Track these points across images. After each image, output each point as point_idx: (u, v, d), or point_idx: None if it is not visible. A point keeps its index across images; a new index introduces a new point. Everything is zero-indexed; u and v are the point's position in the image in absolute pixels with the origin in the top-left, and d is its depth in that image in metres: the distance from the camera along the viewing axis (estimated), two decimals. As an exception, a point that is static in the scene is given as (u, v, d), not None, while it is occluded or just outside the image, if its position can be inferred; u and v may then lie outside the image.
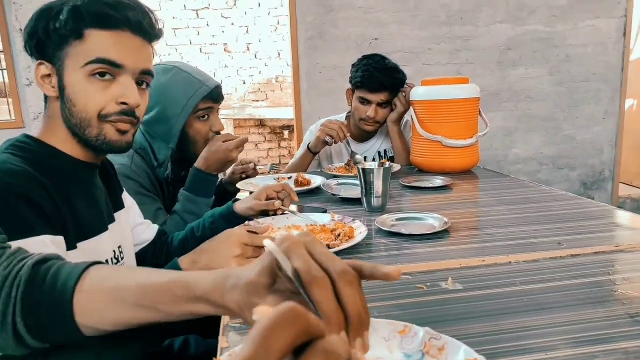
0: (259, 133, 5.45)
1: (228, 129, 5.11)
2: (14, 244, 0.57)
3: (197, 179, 1.29)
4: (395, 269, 0.42)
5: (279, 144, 5.51)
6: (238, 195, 1.56)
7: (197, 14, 5.13)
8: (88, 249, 0.77)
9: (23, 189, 0.67)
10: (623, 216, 1.03)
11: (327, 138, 1.68)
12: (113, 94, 0.77)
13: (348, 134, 1.68)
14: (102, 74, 0.76)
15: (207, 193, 1.30)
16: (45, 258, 0.53)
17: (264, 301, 0.41)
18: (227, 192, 1.58)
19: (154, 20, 0.82)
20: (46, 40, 0.75)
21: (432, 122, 1.60)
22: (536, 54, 3.31)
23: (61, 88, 0.76)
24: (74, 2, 0.75)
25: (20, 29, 2.62)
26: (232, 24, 5.20)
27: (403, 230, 0.97)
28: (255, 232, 0.84)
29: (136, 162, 1.25)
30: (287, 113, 4.74)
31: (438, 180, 1.45)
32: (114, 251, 0.85)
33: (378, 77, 1.72)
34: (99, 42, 0.75)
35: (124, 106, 0.78)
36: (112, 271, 0.53)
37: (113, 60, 0.76)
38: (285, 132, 5.37)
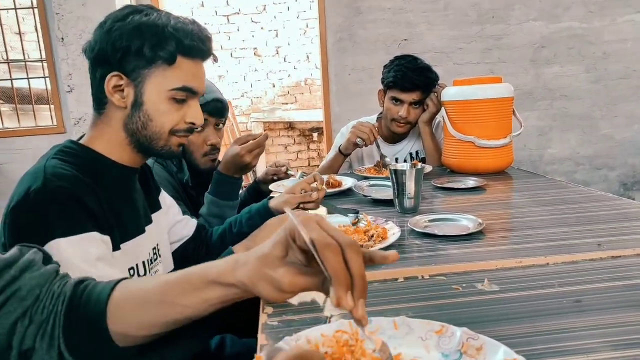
0: (288, 136, 5.49)
1: (257, 132, 5.18)
2: (68, 240, 0.64)
3: (219, 182, 1.32)
4: (393, 252, 0.47)
5: (308, 147, 5.54)
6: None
7: (227, 19, 5.23)
8: (129, 250, 0.82)
9: (73, 191, 0.71)
10: (667, 217, 0.99)
11: (358, 140, 1.69)
12: (184, 115, 0.85)
13: (378, 136, 1.69)
14: (180, 99, 0.84)
15: (230, 196, 1.32)
16: (84, 279, 0.57)
17: (276, 272, 0.45)
18: (262, 191, 1.61)
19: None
20: (134, 57, 0.80)
21: (464, 122, 1.58)
22: (572, 51, 3.22)
23: (138, 102, 0.82)
24: (174, 32, 0.80)
25: (62, 38, 2.74)
26: (262, 28, 5.27)
27: (437, 232, 0.97)
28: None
29: (156, 171, 1.28)
30: (316, 115, 4.76)
31: (471, 182, 1.43)
32: (151, 251, 0.89)
33: (411, 76, 1.72)
34: (186, 71, 0.82)
35: (191, 125, 0.88)
36: (138, 280, 0.59)
37: (194, 89, 0.85)
38: (315, 135, 5.40)
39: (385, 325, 0.56)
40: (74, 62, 2.76)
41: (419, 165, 1.18)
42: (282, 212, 1.10)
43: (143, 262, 0.86)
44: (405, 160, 1.92)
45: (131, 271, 0.82)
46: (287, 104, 5.45)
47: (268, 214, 1.10)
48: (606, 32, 3.20)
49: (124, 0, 2.85)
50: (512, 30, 3.18)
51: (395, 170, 1.15)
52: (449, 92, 1.63)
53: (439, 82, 1.80)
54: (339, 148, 1.79)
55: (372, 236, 0.89)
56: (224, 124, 1.44)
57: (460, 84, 1.63)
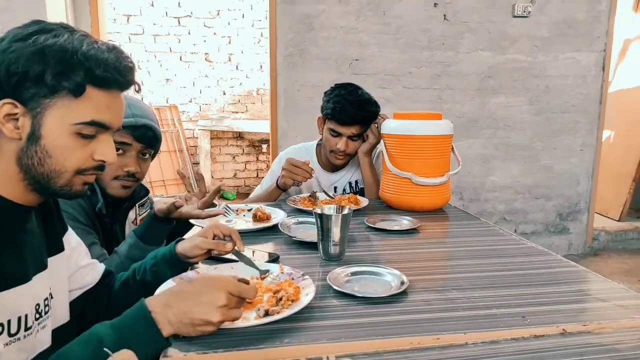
0: (237, 145, 5.33)
1: (204, 140, 4.99)
2: None
3: (152, 227, 1.19)
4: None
5: (257, 158, 5.41)
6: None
7: (178, 21, 5.02)
8: (2, 303, 0.67)
9: None
10: (595, 281, 0.96)
11: (295, 182, 1.60)
12: (92, 152, 0.74)
13: (314, 172, 1.59)
14: (87, 135, 0.73)
15: (157, 241, 1.20)
16: None
17: None
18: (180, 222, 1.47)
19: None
20: (33, 84, 0.68)
21: (402, 157, 1.52)
22: (516, 83, 3.30)
23: (34, 135, 0.70)
24: (84, 60, 0.69)
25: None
26: (215, 33, 5.10)
27: (356, 291, 0.88)
28: (245, 281, 0.77)
29: None
30: (266, 127, 4.63)
31: (405, 222, 1.37)
32: (37, 305, 0.75)
33: (350, 110, 1.64)
34: (95, 103, 0.72)
35: (101, 163, 0.75)
36: None
37: (106, 123, 0.74)
38: (264, 146, 5.27)
39: None
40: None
41: (346, 209, 1.09)
42: (190, 258, 0.98)
43: (19, 318, 0.71)
44: (344, 190, 1.84)
45: None
46: (237, 112, 5.30)
47: (175, 260, 0.97)
48: (549, 67, 3.30)
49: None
50: (460, 59, 3.22)
51: (321, 215, 1.05)
52: (389, 125, 1.57)
53: (381, 113, 1.74)
54: (277, 182, 1.67)
55: (281, 299, 0.79)
56: (152, 156, 1.29)
57: (401, 117, 1.57)
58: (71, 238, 0.90)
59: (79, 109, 0.70)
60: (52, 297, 0.79)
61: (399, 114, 1.58)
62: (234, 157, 5.35)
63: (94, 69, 0.69)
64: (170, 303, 0.70)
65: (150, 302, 0.71)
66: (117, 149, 1.17)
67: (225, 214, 1.43)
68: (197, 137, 5.13)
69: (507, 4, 3.17)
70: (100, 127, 0.73)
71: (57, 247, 0.84)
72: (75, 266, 0.91)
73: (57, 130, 0.70)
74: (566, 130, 3.41)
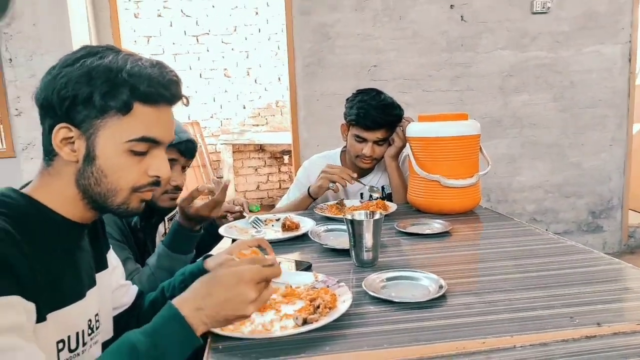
0: (259, 158, 5.37)
1: (227, 154, 5.04)
2: None
3: (176, 233, 1.21)
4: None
5: (279, 169, 5.43)
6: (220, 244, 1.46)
7: (197, 39, 5.12)
8: (60, 320, 0.69)
9: None
10: (639, 278, 0.92)
11: (331, 185, 1.59)
12: (146, 168, 0.75)
13: (355, 175, 1.58)
14: (140, 152, 0.74)
15: (184, 250, 1.21)
16: None
17: None
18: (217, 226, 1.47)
19: (182, 88, 0.79)
20: (83, 106, 0.70)
21: (429, 160, 1.50)
22: (539, 80, 3.24)
23: (90, 157, 0.72)
24: (128, 77, 0.70)
25: (10, 60, 2.58)
26: (233, 49, 5.18)
27: (393, 296, 0.86)
28: (267, 262, 0.76)
29: None
30: (287, 138, 4.66)
31: (436, 225, 1.34)
32: (89, 320, 0.77)
33: (374, 115, 1.63)
34: (144, 119, 0.72)
35: (156, 179, 0.76)
36: None
37: (157, 138, 0.74)
38: (286, 158, 5.29)
39: None
40: (22, 84, 2.59)
41: (378, 214, 1.08)
42: None
43: (77, 334, 0.73)
44: (370, 197, 1.83)
45: (60, 344, 0.70)
46: (257, 125, 5.35)
47: (201, 274, 0.97)
48: (572, 62, 3.23)
49: (77, 19, 2.71)
50: (480, 59, 3.17)
51: (352, 221, 1.04)
52: (414, 129, 1.55)
53: (405, 116, 1.72)
54: (309, 191, 1.67)
55: (318, 307, 0.78)
56: (189, 166, 1.34)
57: (426, 120, 1.55)
58: (112, 256, 0.92)
59: (129, 126, 0.71)
60: (99, 314, 0.81)
61: (424, 117, 1.57)
62: (256, 170, 5.39)
63: (138, 85, 0.70)
64: (200, 306, 0.69)
65: (180, 305, 0.69)
66: None
67: (254, 225, 1.43)
68: (219, 152, 5.19)
69: (525, 1, 3.12)
70: (152, 142, 0.74)
71: (103, 264, 0.86)
72: (116, 284, 0.92)
73: (111, 149, 0.71)
74: (594, 126, 3.32)
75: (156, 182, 0.77)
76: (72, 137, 0.71)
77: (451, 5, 3.10)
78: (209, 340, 0.73)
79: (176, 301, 0.71)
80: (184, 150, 1.25)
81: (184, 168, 1.30)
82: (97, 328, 0.79)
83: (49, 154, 0.74)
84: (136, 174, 0.74)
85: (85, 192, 0.73)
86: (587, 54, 3.23)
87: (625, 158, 3.36)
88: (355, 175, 1.59)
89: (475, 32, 3.14)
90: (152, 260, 1.21)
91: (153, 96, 0.72)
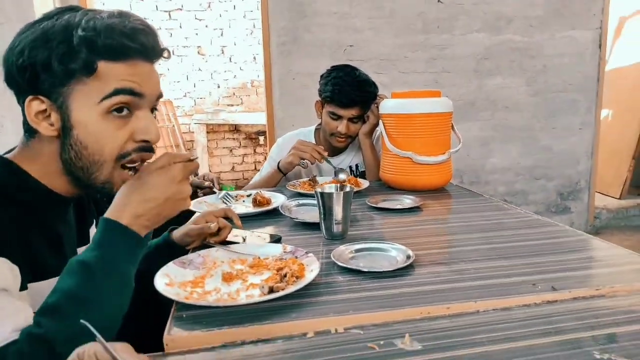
0: (234, 138, 5.30)
1: (200, 134, 4.95)
2: None
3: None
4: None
5: (254, 150, 5.38)
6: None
7: (169, 15, 4.96)
8: (39, 293, 0.65)
9: None
10: (602, 248, 0.94)
11: (302, 162, 1.58)
12: (132, 131, 0.69)
13: (326, 153, 1.57)
14: (119, 110, 0.67)
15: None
16: None
17: None
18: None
19: (160, 40, 0.72)
20: (44, 74, 0.64)
21: (402, 136, 1.50)
22: (513, 63, 3.27)
23: (66, 128, 0.66)
24: (84, 33, 0.63)
25: (-31, 29, 2.44)
26: (207, 26, 5.05)
27: (362, 266, 0.86)
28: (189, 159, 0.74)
29: None
30: (262, 118, 4.60)
31: (407, 200, 1.35)
32: None
33: (349, 91, 1.61)
34: (115, 75, 0.66)
35: (144, 144, 0.70)
36: None
37: (133, 89, 0.68)
38: (261, 138, 5.24)
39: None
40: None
41: (348, 187, 1.07)
42: (185, 246, 0.97)
43: None
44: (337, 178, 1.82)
45: None
46: (232, 105, 5.26)
47: (171, 248, 0.95)
48: (546, 46, 3.27)
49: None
50: (456, 41, 3.18)
51: (322, 194, 1.03)
52: (387, 105, 1.54)
53: (380, 93, 1.71)
54: (278, 166, 1.65)
55: (285, 276, 0.77)
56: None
57: (399, 96, 1.54)
58: (93, 230, 0.88)
59: (100, 86, 0.65)
60: None
61: (397, 93, 1.56)
62: (231, 151, 5.32)
63: (96, 40, 0.64)
64: (139, 213, 0.67)
65: (118, 216, 0.67)
66: None
67: (225, 201, 1.41)
68: (193, 132, 5.10)
69: (501, -17, 3.13)
70: (131, 94, 0.67)
71: (85, 239, 0.83)
72: None
73: (85, 116, 0.66)
74: (565, 110, 3.39)
75: (145, 148, 0.71)
76: (46, 110, 0.66)
77: (428, -14, 3.08)
78: (172, 309, 0.71)
79: (112, 214, 0.67)
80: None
81: None
82: None
83: (29, 131, 0.69)
84: (120, 140, 0.68)
85: (68, 168, 0.69)
86: (560, 39, 3.28)
87: (594, 142, 3.45)
88: (326, 153, 1.58)
89: (451, 14, 3.14)
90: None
91: (116, 49, 0.65)
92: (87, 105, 0.66)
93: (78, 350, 0.46)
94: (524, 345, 0.59)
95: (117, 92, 0.66)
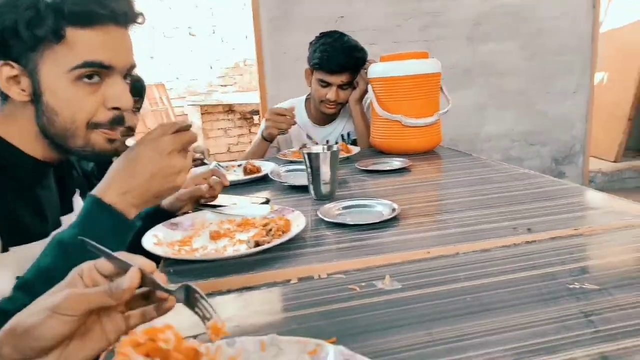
0: (228, 119, 5.28)
1: (195, 116, 4.94)
2: None
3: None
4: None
5: (249, 130, 5.36)
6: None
7: (158, -4, 4.90)
8: (24, 256, 0.66)
9: None
10: (585, 195, 0.95)
11: (278, 133, 1.59)
12: (103, 99, 0.68)
13: (295, 118, 1.58)
14: (90, 76, 0.66)
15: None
16: None
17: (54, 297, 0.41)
18: None
19: (133, 4, 0.71)
20: (13, 39, 0.63)
21: (391, 100, 1.50)
22: (507, 27, 3.23)
23: (37, 94, 0.66)
24: (52, 1, 0.63)
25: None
26: (197, 6, 4.98)
27: (348, 220, 0.87)
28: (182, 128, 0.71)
29: None
30: (256, 98, 4.59)
31: (396, 162, 1.35)
32: None
33: (337, 57, 1.61)
34: (84, 43, 0.65)
35: (115, 112, 0.70)
36: None
37: (102, 62, 0.67)
38: (256, 118, 5.22)
39: (251, 348, 0.46)
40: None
41: (335, 147, 1.08)
42: (176, 211, 0.98)
43: None
44: (336, 143, 1.83)
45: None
46: (225, 86, 5.23)
47: (159, 215, 0.96)
48: (539, 8, 3.23)
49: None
50: (449, 7, 3.14)
51: (309, 154, 1.04)
52: (376, 69, 1.54)
53: (369, 59, 1.70)
54: (262, 134, 1.66)
55: (271, 230, 0.78)
56: (139, 107, 1.29)
57: (387, 59, 1.54)
58: (79, 200, 0.87)
59: (69, 54, 0.65)
60: None
61: (385, 57, 1.55)
62: (226, 131, 5.31)
63: (62, 6, 0.63)
64: (126, 189, 0.66)
65: (103, 194, 0.66)
66: None
67: None
68: (187, 114, 5.08)
69: (492, -55, 3.07)
70: (100, 67, 0.67)
71: (69, 207, 0.82)
72: None
73: (55, 83, 0.66)
74: (560, 73, 3.36)
75: (117, 118, 0.70)
76: (17, 76, 0.66)
77: (418, -49, 3.03)
78: (160, 266, 0.73)
79: (97, 191, 0.67)
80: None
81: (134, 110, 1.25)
82: None
83: (3, 96, 0.69)
84: (91, 106, 0.68)
85: (45, 133, 0.69)
86: (553, 0, 3.23)
87: (588, 105, 3.43)
88: (293, 113, 1.57)
89: (442, -21, 3.09)
90: None
91: (84, 16, 0.64)
92: (56, 72, 0.65)
93: (76, 268, 0.45)
94: (501, 280, 0.61)
95: (86, 64, 0.66)
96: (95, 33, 0.66)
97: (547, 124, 3.43)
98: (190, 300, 0.45)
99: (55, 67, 0.66)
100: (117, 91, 0.69)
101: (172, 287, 0.45)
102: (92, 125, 0.69)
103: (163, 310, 0.45)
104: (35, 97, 0.67)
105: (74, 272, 0.45)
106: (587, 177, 3.57)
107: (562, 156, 3.51)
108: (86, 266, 0.45)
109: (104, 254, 0.45)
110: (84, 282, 0.44)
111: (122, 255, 0.45)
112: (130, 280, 0.41)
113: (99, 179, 1.26)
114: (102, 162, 1.23)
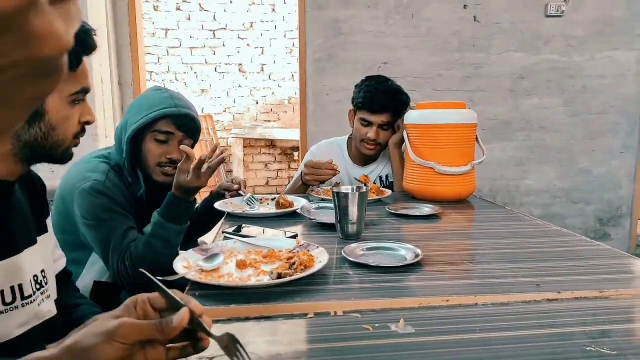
0: (269, 153, 5.43)
1: (237, 148, 5.11)
2: None
3: (170, 203, 1.22)
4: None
5: (288, 165, 5.48)
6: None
7: (213, 34, 5.21)
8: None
9: None
10: (617, 258, 0.92)
11: (317, 183, 1.63)
12: (79, 116, 0.81)
13: (338, 168, 1.60)
14: (77, 100, 0.79)
15: (178, 220, 1.22)
16: None
17: (109, 323, 0.45)
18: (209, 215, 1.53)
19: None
20: None
21: (425, 147, 1.52)
22: (551, 83, 3.22)
23: (38, 112, 0.75)
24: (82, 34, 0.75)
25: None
26: (248, 45, 5.25)
27: (370, 262, 0.89)
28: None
29: (111, 178, 1.22)
30: (297, 134, 4.71)
31: (426, 209, 1.36)
32: (35, 276, 0.77)
33: (380, 98, 1.67)
34: (83, 71, 0.79)
35: (85, 124, 0.83)
36: None
37: (88, 87, 0.81)
38: (295, 154, 5.34)
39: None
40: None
41: (364, 188, 1.11)
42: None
43: (13, 287, 0.71)
44: (365, 184, 1.85)
45: None
46: (269, 121, 5.41)
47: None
48: (585, 66, 3.21)
49: (94, 9, 2.80)
50: (492, 60, 3.17)
51: (338, 194, 1.07)
52: (411, 116, 1.57)
53: (411, 104, 1.75)
54: (302, 179, 1.70)
55: (294, 264, 0.81)
56: (192, 145, 1.35)
57: (424, 107, 1.57)
58: (50, 222, 0.90)
59: (74, 80, 0.77)
60: (45, 272, 0.80)
61: (422, 104, 1.59)
62: (266, 165, 5.45)
63: (85, 39, 0.75)
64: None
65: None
66: (162, 139, 1.25)
67: (249, 203, 1.47)
68: (230, 146, 5.27)
69: (539, 3, 3.12)
70: (86, 92, 0.80)
71: (44, 228, 0.86)
72: (56, 248, 0.92)
73: (58, 103, 0.76)
74: (605, 132, 3.29)
75: (83, 129, 0.83)
76: None
77: (464, 5, 3.11)
78: (187, 289, 0.77)
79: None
80: (180, 124, 1.26)
81: (180, 143, 1.30)
82: (46, 283, 0.79)
83: None
84: (75, 123, 0.80)
85: (26, 147, 0.73)
86: (601, 59, 3.21)
87: (636, 165, 3.32)
88: (336, 165, 1.59)
89: (487, 32, 3.15)
90: (147, 228, 1.24)
91: (90, 45, 0.77)
92: (60, 95, 0.77)
93: (131, 298, 0.50)
94: (516, 335, 0.60)
95: (83, 90, 0.79)
96: (86, 61, 0.79)
97: (591, 183, 3.33)
98: (230, 348, 0.48)
99: (59, 92, 0.76)
100: (88, 109, 0.83)
101: (216, 332, 0.48)
102: (75, 136, 0.80)
103: (199, 349, 0.50)
104: (35, 116, 0.74)
105: (128, 302, 0.49)
106: (635, 240, 3.40)
107: (607, 217, 3.37)
108: (140, 298, 0.50)
109: (159, 290, 0.49)
110: (137, 312, 0.49)
111: (176, 293, 0.49)
112: (180, 319, 0.46)
113: (148, 204, 1.31)
114: (153, 188, 1.30)
